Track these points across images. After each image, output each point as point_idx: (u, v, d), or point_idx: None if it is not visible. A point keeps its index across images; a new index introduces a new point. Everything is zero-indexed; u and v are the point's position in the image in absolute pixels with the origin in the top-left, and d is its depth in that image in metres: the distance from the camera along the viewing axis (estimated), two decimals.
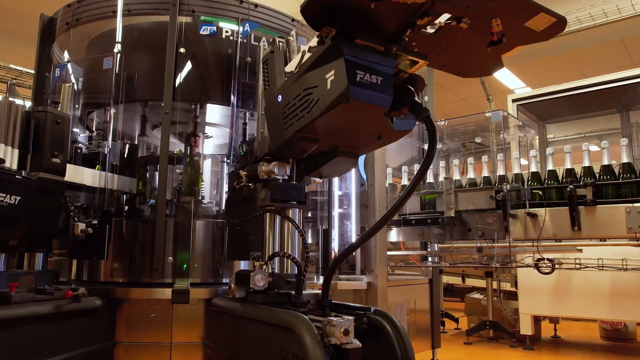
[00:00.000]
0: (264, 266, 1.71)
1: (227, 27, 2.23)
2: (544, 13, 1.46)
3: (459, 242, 2.98)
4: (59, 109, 1.87)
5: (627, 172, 2.38)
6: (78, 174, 1.92)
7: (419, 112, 1.58)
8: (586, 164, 2.50)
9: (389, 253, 3.11)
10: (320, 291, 1.75)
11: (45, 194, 1.63)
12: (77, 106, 2.32)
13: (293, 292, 1.67)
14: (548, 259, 2.45)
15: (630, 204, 2.29)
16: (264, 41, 2.31)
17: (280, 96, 1.69)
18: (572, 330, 5.43)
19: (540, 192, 2.54)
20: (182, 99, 2.24)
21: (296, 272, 1.75)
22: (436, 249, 3.10)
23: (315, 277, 2.74)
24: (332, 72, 1.46)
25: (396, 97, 1.53)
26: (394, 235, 3.10)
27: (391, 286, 2.91)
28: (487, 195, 2.65)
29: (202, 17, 2.20)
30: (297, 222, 1.87)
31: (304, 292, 1.70)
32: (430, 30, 1.49)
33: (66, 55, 2.51)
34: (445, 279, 6.91)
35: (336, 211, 2.79)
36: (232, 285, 1.80)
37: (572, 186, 2.38)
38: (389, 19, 1.40)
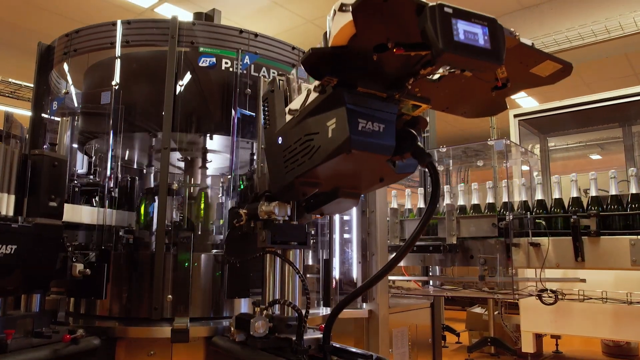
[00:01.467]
0: (265, 311, 1.69)
1: (227, 58, 2.20)
2: (549, 60, 1.44)
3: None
4: (56, 148, 1.84)
5: (634, 203, 2.35)
6: (76, 213, 1.89)
7: (422, 157, 1.55)
8: (592, 193, 2.47)
9: (390, 278, 3.08)
10: (321, 334, 1.73)
11: (42, 239, 1.61)
12: (76, 120, 2.29)
13: (294, 338, 1.65)
14: (551, 290, 2.43)
15: (635, 236, 2.27)
16: (264, 71, 2.29)
17: (280, 138, 1.67)
18: (574, 345, 5.41)
19: (544, 222, 2.51)
20: (182, 129, 2.22)
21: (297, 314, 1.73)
22: (437, 273, 3.08)
23: (315, 301, 2.72)
24: (334, 120, 1.43)
25: (399, 141, 1.50)
26: None
27: (393, 313, 2.88)
28: (489, 223, 2.63)
29: (202, 49, 2.17)
30: (298, 262, 1.84)
31: (305, 336, 1.67)
32: (434, 76, 1.47)
33: (64, 84, 2.49)
34: None
35: (337, 237, 2.76)
36: (232, 329, 1.77)
37: (575, 216, 2.36)
38: (391, 68, 1.37)
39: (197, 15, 2.88)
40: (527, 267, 2.60)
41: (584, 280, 2.54)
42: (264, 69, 2.28)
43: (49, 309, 1.96)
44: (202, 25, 2.22)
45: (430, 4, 1.05)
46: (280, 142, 1.67)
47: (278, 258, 1.84)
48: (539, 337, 4.60)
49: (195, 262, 2.08)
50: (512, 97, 7.58)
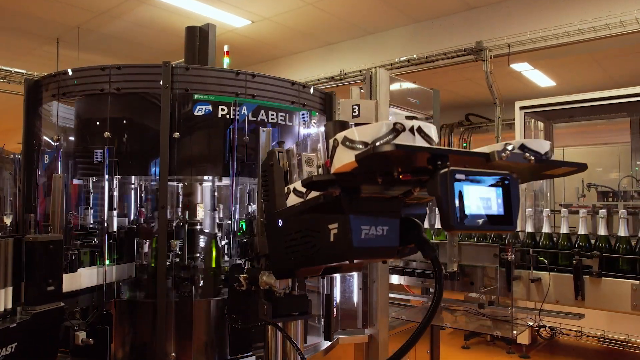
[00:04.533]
0: None
1: (224, 104, 2.11)
2: (564, 167, 1.37)
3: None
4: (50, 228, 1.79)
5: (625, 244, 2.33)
6: (75, 281, 1.87)
7: (426, 251, 1.50)
8: (581, 231, 2.42)
9: (391, 295, 3.11)
10: None
11: (43, 326, 1.60)
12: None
13: None
14: (550, 327, 2.45)
15: (637, 281, 2.26)
16: (262, 114, 2.20)
17: (280, 221, 1.62)
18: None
19: (546, 260, 2.50)
20: (178, 173, 2.17)
21: None
22: None
23: (317, 319, 2.75)
24: (336, 225, 1.38)
25: (402, 231, 1.45)
26: (395, 278, 3.09)
27: (392, 334, 2.93)
28: (491, 253, 2.62)
29: (196, 96, 2.07)
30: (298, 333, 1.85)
31: None
32: None
33: (55, 105, 2.39)
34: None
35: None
36: None
37: (578, 257, 2.34)
38: (397, 184, 1.31)
39: (190, 29, 2.74)
40: (527, 300, 2.63)
41: (582, 316, 2.57)
42: (262, 112, 2.18)
43: None
44: (196, 70, 2.10)
45: (442, 170, 0.98)
46: (280, 225, 1.62)
47: None
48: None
49: (198, 311, 2.10)
50: (526, 75, 7.34)
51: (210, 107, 2.08)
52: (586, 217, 2.50)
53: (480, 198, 0.98)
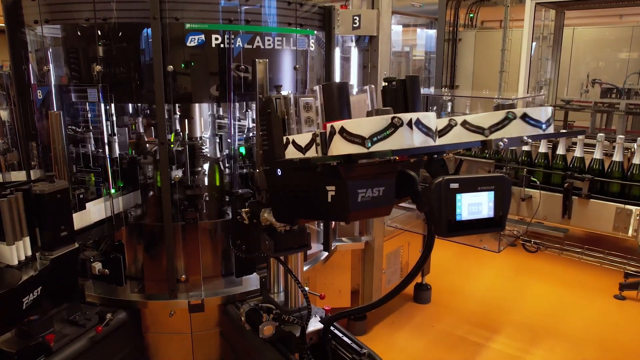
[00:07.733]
0: (271, 314, 1.90)
1: (217, 33, 2.00)
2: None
3: None
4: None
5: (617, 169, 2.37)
6: (85, 218, 1.96)
7: (421, 204, 1.56)
8: (597, 156, 2.44)
9: None
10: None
11: (61, 268, 1.73)
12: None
13: (297, 334, 1.89)
14: (535, 243, 2.61)
15: (622, 205, 2.35)
16: (258, 41, 2.10)
17: (280, 171, 1.65)
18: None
19: (538, 182, 2.55)
20: (175, 102, 2.16)
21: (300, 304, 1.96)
22: None
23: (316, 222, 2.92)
24: (334, 187, 1.42)
25: (398, 185, 1.50)
26: None
27: (387, 239, 3.12)
28: (486, 168, 2.67)
29: (188, 25, 1.96)
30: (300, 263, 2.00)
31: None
32: None
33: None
34: None
35: None
36: (243, 319, 2.01)
37: (570, 180, 2.40)
38: None
39: None
40: (517, 215, 2.75)
41: (566, 230, 2.71)
42: (258, 38, 2.08)
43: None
44: None
45: (437, 179, 1.00)
46: (280, 175, 1.66)
47: None
48: None
49: (205, 232, 2.25)
50: None
51: (203, 36, 1.98)
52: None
53: (472, 204, 1.01)
